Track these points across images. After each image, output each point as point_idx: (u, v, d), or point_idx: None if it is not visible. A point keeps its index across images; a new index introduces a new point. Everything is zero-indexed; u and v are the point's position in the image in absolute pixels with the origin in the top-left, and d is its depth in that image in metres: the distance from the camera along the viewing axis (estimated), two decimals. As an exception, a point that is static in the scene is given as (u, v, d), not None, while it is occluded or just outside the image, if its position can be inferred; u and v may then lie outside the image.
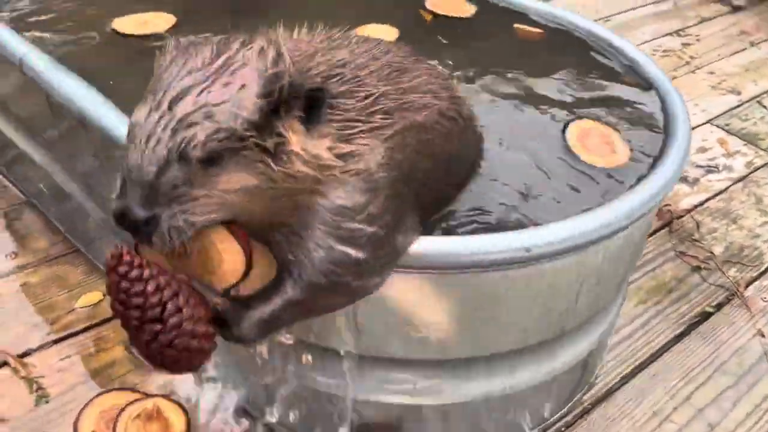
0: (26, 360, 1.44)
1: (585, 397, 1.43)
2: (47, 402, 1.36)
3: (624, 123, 1.27)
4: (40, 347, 1.47)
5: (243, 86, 0.79)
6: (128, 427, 1.28)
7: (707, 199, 2.03)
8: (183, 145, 0.78)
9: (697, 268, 1.77)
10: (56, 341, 1.49)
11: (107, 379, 1.41)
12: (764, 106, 2.44)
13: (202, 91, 0.78)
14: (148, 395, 1.35)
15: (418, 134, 0.96)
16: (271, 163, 0.81)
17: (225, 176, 0.80)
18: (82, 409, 1.32)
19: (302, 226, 0.89)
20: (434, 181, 1.01)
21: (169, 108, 0.78)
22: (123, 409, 1.30)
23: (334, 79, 0.89)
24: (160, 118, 0.78)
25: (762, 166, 2.17)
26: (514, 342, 1.13)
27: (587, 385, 1.44)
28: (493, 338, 1.10)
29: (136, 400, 1.33)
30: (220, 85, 0.79)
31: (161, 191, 0.79)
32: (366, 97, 0.90)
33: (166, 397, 1.35)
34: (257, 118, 0.79)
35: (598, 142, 1.21)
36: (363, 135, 0.89)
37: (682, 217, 1.94)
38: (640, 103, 1.33)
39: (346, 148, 0.87)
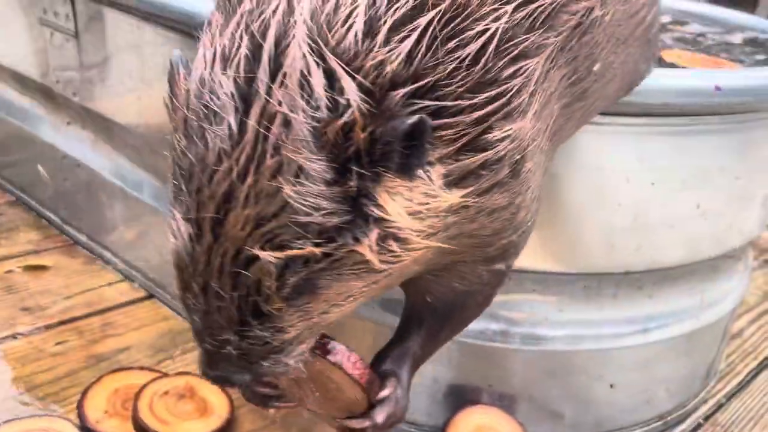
0: (10, 345, 1.12)
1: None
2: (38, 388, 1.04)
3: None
4: (30, 333, 1.16)
5: (300, 170, 0.53)
6: (155, 404, 0.96)
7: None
8: (254, 298, 0.56)
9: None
10: (49, 327, 1.18)
11: (118, 365, 1.09)
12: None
13: (247, 196, 0.53)
14: (174, 375, 1.04)
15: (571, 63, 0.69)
16: (375, 262, 0.58)
17: (316, 302, 0.59)
18: (88, 387, 1.00)
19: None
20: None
21: (214, 234, 0.55)
22: (145, 386, 0.99)
23: (430, 60, 0.55)
24: (209, 253, 0.55)
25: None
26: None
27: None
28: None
29: (159, 378, 1.02)
30: (267, 174, 0.53)
31: (248, 355, 0.60)
32: (481, 50, 0.57)
33: (198, 376, 1.04)
34: (336, 214, 0.54)
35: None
36: (494, 123, 0.60)
37: None
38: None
39: (470, 160, 0.60)
